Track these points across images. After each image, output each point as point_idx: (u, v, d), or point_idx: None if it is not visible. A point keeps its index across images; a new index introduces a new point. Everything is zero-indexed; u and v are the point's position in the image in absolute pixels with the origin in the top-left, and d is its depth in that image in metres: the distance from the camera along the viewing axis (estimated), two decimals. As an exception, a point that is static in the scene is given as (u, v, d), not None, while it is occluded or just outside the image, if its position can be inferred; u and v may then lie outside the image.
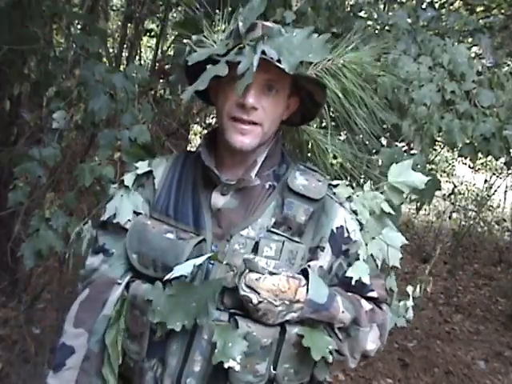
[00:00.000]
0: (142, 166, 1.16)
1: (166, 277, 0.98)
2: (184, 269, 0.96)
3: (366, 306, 1.12)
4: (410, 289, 1.31)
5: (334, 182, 1.18)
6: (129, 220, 1.12)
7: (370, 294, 1.14)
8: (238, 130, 1.03)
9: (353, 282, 1.09)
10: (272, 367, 1.03)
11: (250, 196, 1.09)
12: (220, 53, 1.01)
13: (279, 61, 0.98)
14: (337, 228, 1.11)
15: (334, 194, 1.15)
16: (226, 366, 0.95)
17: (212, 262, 1.03)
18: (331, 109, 1.35)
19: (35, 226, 1.86)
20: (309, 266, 1.06)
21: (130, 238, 1.08)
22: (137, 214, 1.12)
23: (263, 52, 0.97)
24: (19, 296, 3.23)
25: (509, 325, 4.64)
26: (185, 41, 1.11)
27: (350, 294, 1.11)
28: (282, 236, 1.06)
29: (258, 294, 0.96)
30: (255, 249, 1.04)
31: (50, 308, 3.12)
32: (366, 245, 1.13)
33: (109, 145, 1.88)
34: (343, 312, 1.04)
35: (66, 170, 2.69)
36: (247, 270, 0.99)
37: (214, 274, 1.04)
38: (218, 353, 0.95)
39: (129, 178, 1.16)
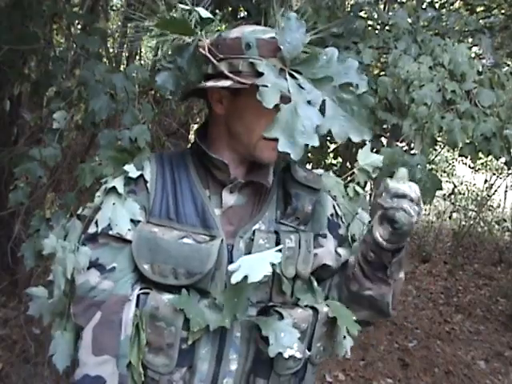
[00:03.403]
0: (132, 170, 1.08)
1: (234, 280, 0.89)
2: (263, 269, 0.89)
3: None
4: None
5: (318, 172, 1.23)
6: (128, 230, 1.04)
7: None
8: (270, 148, 1.03)
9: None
10: (307, 349, 1.05)
11: (256, 192, 1.11)
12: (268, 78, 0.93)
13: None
14: (331, 215, 1.15)
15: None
16: (285, 355, 0.95)
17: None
18: None
19: (35, 226, 1.86)
20: (316, 253, 1.09)
21: (138, 248, 1.02)
22: (134, 222, 1.05)
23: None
24: (19, 296, 3.23)
25: (509, 325, 4.64)
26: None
27: None
28: (291, 227, 1.09)
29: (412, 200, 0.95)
30: (277, 242, 1.05)
31: (50, 308, 3.11)
32: (348, 225, 1.21)
33: (109, 145, 1.88)
34: None
35: (67, 170, 2.69)
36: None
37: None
38: (273, 345, 0.95)
39: (119, 184, 1.07)
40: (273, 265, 0.98)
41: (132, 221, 1.05)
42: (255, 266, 0.90)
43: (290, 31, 0.96)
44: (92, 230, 1.06)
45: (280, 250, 0.96)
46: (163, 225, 1.04)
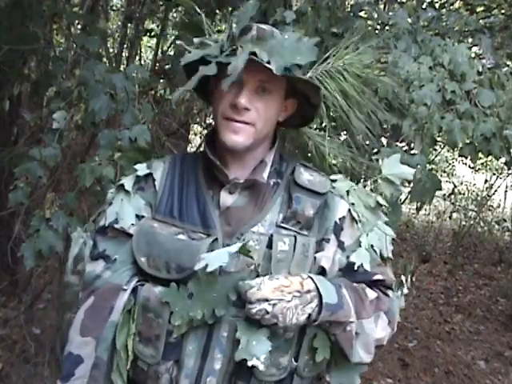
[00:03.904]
0: (142, 168, 1.16)
1: (196, 267, 0.96)
2: (220, 259, 0.94)
3: (371, 294, 1.12)
4: (403, 278, 1.32)
5: (333, 177, 1.20)
6: (132, 224, 1.10)
7: (376, 277, 1.14)
8: (230, 129, 1.05)
9: (355, 267, 1.11)
10: (293, 359, 1.05)
11: (257, 194, 1.11)
12: (213, 54, 1.04)
13: (269, 62, 1.00)
14: (339, 219, 1.13)
15: (334, 188, 1.17)
16: (249, 364, 0.96)
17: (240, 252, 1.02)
18: (331, 111, 1.35)
19: (35, 227, 1.86)
20: (315, 257, 1.08)
21: (137, 241, 1.07)
22: (139, 217, 1.11)
23: (254, 53, 0.99)
24: (19, 296, 3.23)
25: (509, 325, 4.64)
26: (178, 42, 1.12)
27: (355, 284, 1.11)
28: (292, 230, 1.08)
29: (267, 300, 0.95)
30: (269, 244, 1.05)
31: (50, 308, 3.12)
32: (367, 235, 1.15)
33: (109, 145, 1.88)
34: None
35: (66, 170, 2.69)
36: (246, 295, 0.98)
37: (229, 269, 1.04)
38: (241, 350, 0.96)
39: (128, 182, 1.14)
40: (259, 265, 1.02)
41: (137, 216, 1.11)
42: (217, 256, 0.95)
43: (243, 12, 1.06)
44: (101, 223, 1.13)
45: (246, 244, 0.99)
46: (165, 221, 1.09)
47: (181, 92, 1.02)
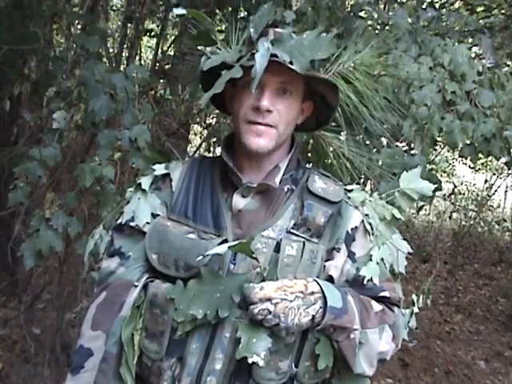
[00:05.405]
0: (159, 169, 1.18)
1: (198, 259, 0.97)
2: (219, 249, 0.95)
3: (377, 307, 1.12)
4: (414, 297, 1.30)
5: (349, 187, 1.20)
6: (147, 222, 1.12)
7: (382, 294, 1.14)
8: (253, 132, 1.06)
9: (365, 281, 1.10)
10: (294, 365, 1.05)
11: (270, 198, 1.11)
12: (233, 59, 1.06)
13: (291, 63, 1.02)
14: (351, 229, 1.12)
15: (349, 198, 1.17)
16: (249, 361, 0.95)
17: (241, 252, 1.02)
18: (346, 112, 1.34)
19: (35, 226, 1.86)
20: (324, 266, 1.08)
21: (150, 238, 1.09)
22: (154, 216, 1.13)
23: (275, 55, 1.01)
24: (19, 296, 3.23)
25: (509, 325, 4.64)
26: (199, 47, 1.13)
27: (361, 296, 1.11)
28: (302, 237, 1.08)
29: (269, 299, 0.95)
30: (277, 248, 1.05)
31: (50, 308, 3.12)
32: (378, 248, 1.14)
33: (109, 145, 1.88)
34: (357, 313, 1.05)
35: (66, 170, 2.69)
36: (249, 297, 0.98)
37: (237, 271, 1.04)
38: (242, 348, 0.96)
39: (146, 181, 1.17)
40: (265, 268, 1.02)
41: (152, 215, 1.13)
42: (217, 248, 0.96)
43: (259, 16, 1.07)
44: (119, 220, 1.16)
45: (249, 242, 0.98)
46: (179, 221, 1.11)
47: (207, 98, 1.02)
